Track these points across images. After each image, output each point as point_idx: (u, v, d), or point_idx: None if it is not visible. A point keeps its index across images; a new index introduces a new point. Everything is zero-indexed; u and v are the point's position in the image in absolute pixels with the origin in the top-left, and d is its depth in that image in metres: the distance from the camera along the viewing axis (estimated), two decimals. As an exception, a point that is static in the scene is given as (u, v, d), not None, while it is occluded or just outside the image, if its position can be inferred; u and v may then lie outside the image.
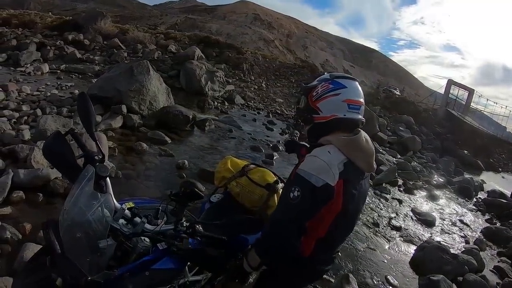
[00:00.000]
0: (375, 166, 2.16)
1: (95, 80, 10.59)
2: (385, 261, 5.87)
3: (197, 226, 2.16)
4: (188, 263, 2.39)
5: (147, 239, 2.14)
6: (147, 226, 2.18)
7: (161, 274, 2.12)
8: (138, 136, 7.45)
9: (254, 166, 3.35)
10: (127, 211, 2.19)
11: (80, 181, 1.94)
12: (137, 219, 2.19)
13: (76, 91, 9.35)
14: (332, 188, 1.90)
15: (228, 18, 61.90)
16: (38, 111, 7.28)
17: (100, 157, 2.13)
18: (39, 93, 8.90)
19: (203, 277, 2.74)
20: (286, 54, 52.22)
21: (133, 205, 2.32)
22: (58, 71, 11.86)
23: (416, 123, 21.48)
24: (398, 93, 32.60)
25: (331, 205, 1.95)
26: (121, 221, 2.14)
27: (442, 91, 31.55)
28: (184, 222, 2.28)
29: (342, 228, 2.14)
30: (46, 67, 11.58)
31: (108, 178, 2.10)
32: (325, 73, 2.25)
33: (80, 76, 11.93)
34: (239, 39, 46.18)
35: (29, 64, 11.69)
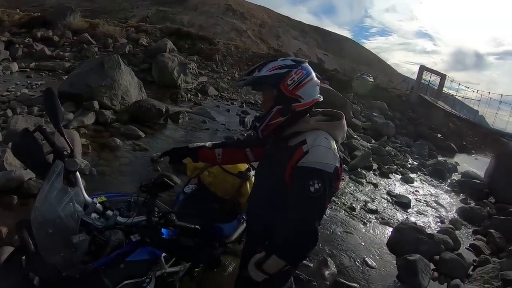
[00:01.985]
0: None
1: (66, 77, 10.32)
2: (363, 243, 5.99)
3: (170, 216, 2.14)
4: (164, 254, 2.38)
5: (120, 232, 2.14)
6: (120, 218, 2.18)
7: (136, 266, 2.14)
8: (111, 132, 7.36)
9: None
10: (98, 205, 2.19)
11: (50, 177, 1.93)
12: (109, 212, 2.19)
13: (46, 89, 9.20)
14: (338, 169, 1.99)
15: (199, 10, 61.13)
16: (9, 112, 7.13)
17: (69, 152, 2.13)
18: (8, 93, 8.70)
19: (180, 268, 2.73)
20: (259, 44, 52.03)
21: (105, 199, 2.33)
22: (28, 70, 11.62)
23: (389, 109, 21.78)
24: (371, 79, 32.89)
25: (334, 187, 2.02)
26: (93, 215, 2.14)
27: (414, 77, 31.94)
28: (157, 213, 2.23)
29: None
30: (15, 66, 11.33)
31: (77, 173, 2.10)
32: (277, 59, 2.25)
33: (50, 73, 11.74)
34: (211, 30, 45.73)
35: (-3, 64, 11.37)
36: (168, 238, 2.28)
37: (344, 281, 4.66)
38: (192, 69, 14.33)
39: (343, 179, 7.31)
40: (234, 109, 12.76)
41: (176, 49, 17.19)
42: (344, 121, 2.15)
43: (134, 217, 2.23)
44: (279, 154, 2.10)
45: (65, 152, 2.10)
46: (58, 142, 2.19)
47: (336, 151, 2.00)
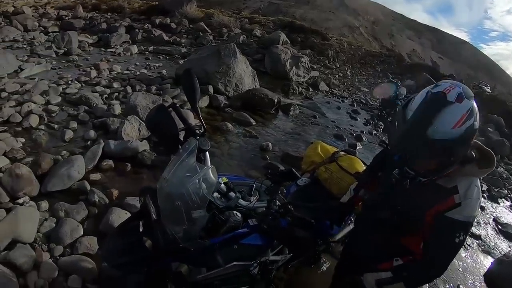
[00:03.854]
0: None
1: (182, 61, 10.91)
2: (460, 269, 5.54)
3: (290, 207, 2.18)
4: (274, 241, 2.41)
5: (239, 214, 2.22)
6: (241, 201, 2.29)
7: (248, 249, 2.20)
8: (223, 116, 7.57)
9: (343, 153, 3.35)
10: (222, 185, 2.30)
11: (182, 153, 1.99)
12: (232, 194, 2.29)
13: (164, 71, 9.75)
14: None
15: (312, 3, 61.16)
16: (128, 88, 7.69)
17: (202, 131, 2.20)
18: (128, 72, 9.34)
19: (281, 258, 2.75)
20: (371, 42, 50.96)
21: (227, 180, 2.41)
22: (146, 52, 12.30)
23: (506, 125, 20.14)
24: (489, 90, 30.82)
25: None
26: (216, 194, 2.25)
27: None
28: (277, 201, 2.32)
29: None
30: (135, 49, 12.05)
31: (207, 152, 2.18)
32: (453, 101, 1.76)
33: (167, 57, 12.26)
34: (323, 25, 45.46)
35: (118, 46, 12.24)
36: (284, 227, 2.25)
37: None
38: (304, 62, 14.19)
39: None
40: (344, 107, 12.48)
41: (289, 42, 17.23)
42: (494, 163, 1.95)
43: (255, 202, 2.33)
44: (421, 190, 2.00)
45: (197, 131, 2.17)
46: (190, 120, 2.26)
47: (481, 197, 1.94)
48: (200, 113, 2.28)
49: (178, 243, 1.90)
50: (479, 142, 1.96)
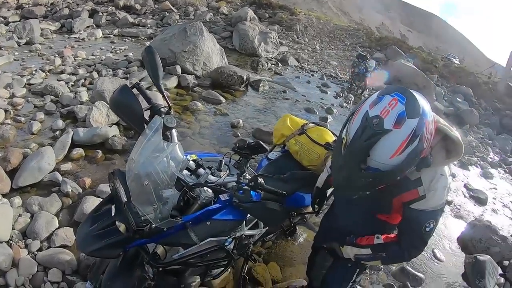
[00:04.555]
0: None
1: (148, 42, 10.73)
2: (434, 234, 5.68)
3: (260, 179, 2.15)
4: (248, 216, 2.41)
5: (210, 190, 2.20)
6: (211, 177, 2.24)
7: (221, 224, 2.20)
8: (193, 96, 7.54)
9: (313, 124, 3.36)
10: (191, 162, 2.25)
11: (148, 132, 1.97)
12: (201, 170, 2.25)
13: (130, 54, 9.57)
14: None
15: (280, -21, 60.82)
16: (95, 74, 7.53)
17: (167, 108, 2.19)
18: (94, 57, 9.12)
19: (257, 232, 2.78)
20: (340, 16, 50.99)
21: (196, 157, 2.38)
22: (111, 36, 12.03)
23: (474, 96, 20.55)
24: (457, 62, 31.31)
25: None
26: (185, 172, 2.22)
27: (504, 63, 29.78)
28: (247, 175, 2.30)
29: None
30: (99, 33, 11.78)
31: (174, 130, 2.17)
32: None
33: (133, 39, 12.05)
34: (291, 0, 45.27)
35: (82, 31, 11.92)
36: (255, 201, 2.24)
37: (411, 270, 4.56)
38: (273, 38, 14.20)
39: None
40: (314, 81, 12.50)
41: (256, 18, 17.10)
42: (462, 151, 1.86)
43: (225, 177, 2.28)
44: None
45: (162, 109, 2.17)
46: (155, 99, 2.25)
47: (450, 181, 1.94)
48: (164, 91, 2.27)
49: (150, 224, 1.90)
50: (447, 127, 1.85)
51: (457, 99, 18.31)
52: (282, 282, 3.50)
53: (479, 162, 10.83)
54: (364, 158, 1.64)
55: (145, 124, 2.06)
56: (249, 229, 2.61)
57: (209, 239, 2.16)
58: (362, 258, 2.16)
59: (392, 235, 2.15)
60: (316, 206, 2.76)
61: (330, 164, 2.54)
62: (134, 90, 2.19)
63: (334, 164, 1.97)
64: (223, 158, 2.41)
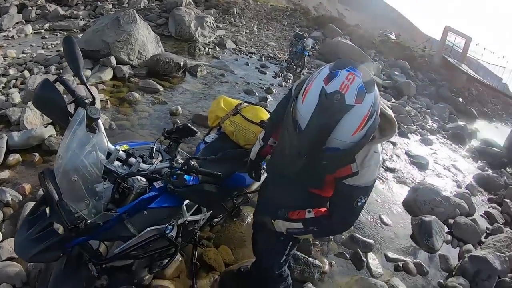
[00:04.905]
0: None
1: (81, 35, 10.27)
2: (379, 200, 6.03)
3: (192, 162, 2.16)
4: (186, 201, 2.41)
5: (143, 179, 2.18)
6: (143, 165, 2.22)
7: (159, 212, 2.19)
8: (129, 87, 7.37)
9: (247, 104, 3.39)
10: (121, 153, 2.22)
11: (72, 125, 1.93)
12: (132, 160, 2.21)
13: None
14: None
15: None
16: (26, 73, 7.18)
17: (91, 100, 2.10)
18: (24, 55, 8.73)
19: (201, 217, 2.79)
20: (277, -2, 50.89)
21: (127, 147, 2.34)
22: (42, 31, 11.55)
23: (411, 69, 21.28)
24: (394, 37, 32.08)
25: None
26: (116, 162, 2.18)
27: (439, 37, 30.99)
28: (179, 159, 2.29)
29: None
30: (29, 28, 11.27)
31: (100, 120, 2.10)
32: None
33: (65, 33, 11.58)
34: (229, -16, 44.76)
35: (11, 28, 11.34)
36: (191, 185, 2.26)
37: (360, 237, 4.73)
38: (210, 22, 14.10)
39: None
40: (253, 63, 12.55)
41: (192, 3, 16.81)
42: (395, 130, 1.86)
43: (157, 164, 2.27)
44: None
45: (86, 101, 2.07)
46: (79, 91, 2.16)
47: (382, 158, 1.96)
48: (86, 81, 2.21)
49: (85, 220, 1.87)
50: (382, 106, 1.81)
51: (395, 72, 18.85)
52: (234, 264, 3.53)
53: (418, 130, 11.38)
54: (326, 138, 1.56)
55: (70, 118, 2.00)
56: (191, 214, 2.60)
57: (148, 229, 2.15)
58: (294, 232, 2.18)
59: (323, 209, 2.17)
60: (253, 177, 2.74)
61: (262, 136, 2.53)
62: (58, 84, 2.10)
63: (284, 149, 1.91)
64: (154, 145, 2.39)
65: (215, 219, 3.56)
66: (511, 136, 13.09)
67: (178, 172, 2.11)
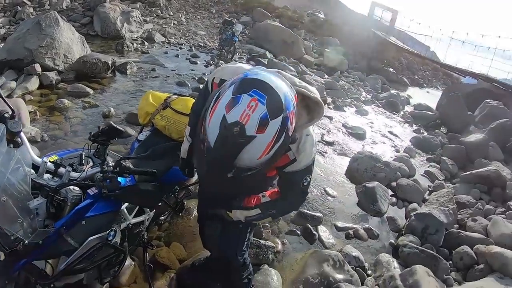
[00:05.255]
0: None
1: (2, 44, 9.74)
2: (322, 174, 6.23)
3: (124, 163, 2.11)
4: (125, 204, 2.35)
5: (76, 188, 2.07)
6: (73, 174, 2.12)
7: (97, 219, 2.09)
8: (58, 94, 7.03)
9: (176, 96, 3.33)
10: (49, 164, 2.11)
11: None
12: (62, 170, 2.10)
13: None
14: None
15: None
16: None
17: (10, 113, 1.98)
18: None
19: (146, 217, 2.73)
20: (203, -15, 50.13)
21: (56, 158, 2.23)
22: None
23: (341, 44, 21.80)
24: (322, 16, 32.48)
25: None
26: (46, 175, 2.08)
27: (366, 13, 31.90)
28: (110, 162, 2.21)
29: None
30: None
31: (22, 133, 1.97)
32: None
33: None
34: (152, -26, 43.58)
35: None
36: (126, 186, 2.20)
37: (308, 212, 4.85)
38: (136, 17, 13.81)
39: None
40: (183, 54, 12.49)
41: (117, -2, 16.39)
42: (323, 111, 1.81)
43: (88, 170, 2.19)
44: None
45: (6, 115, 1.96)
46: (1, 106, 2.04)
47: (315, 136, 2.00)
48: (2, 94, 2.04)
49: (22, 241, 1.78)
50: (305, 89, 1.77)
51: (326, 49, 19.27)
52: (188, 260, 3.49)
53: (353, 102, 11.81)
54: (229, 165, 1.47)
55: None
56: (135, 216, 2.55)
57: (89, 239, 2.06)
58: (253, 218, 2.19)
59: (276, 190, 2.20)
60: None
61: (188, 132, 2.48)
62: None
63: (198, 166, 1.94)
64: (82, 151, 2.30)
65: (161, 217, 3.51)
66: (443, 99, 13.94)
67: (111, 175, 2.07)
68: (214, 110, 1.46)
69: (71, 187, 2.04)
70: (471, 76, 20.20)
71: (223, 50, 13.39)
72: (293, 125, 1.56)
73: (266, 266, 3.68)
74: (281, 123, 1.43)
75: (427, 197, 6.25)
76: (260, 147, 1.43)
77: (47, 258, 2.03)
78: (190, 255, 3.58)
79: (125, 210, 2.36)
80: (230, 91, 1.46)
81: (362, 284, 3.85)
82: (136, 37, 13.39)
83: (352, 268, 3.96)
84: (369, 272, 4.18)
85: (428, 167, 7.92)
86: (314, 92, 1.80)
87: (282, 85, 1.53)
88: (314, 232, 4.52)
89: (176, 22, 17.33)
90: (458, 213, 5.63)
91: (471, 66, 22.29)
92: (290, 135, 1.54)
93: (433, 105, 14.17)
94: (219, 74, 2.07)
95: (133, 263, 3.20)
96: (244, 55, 14.70)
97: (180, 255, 3.57)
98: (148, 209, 2.75)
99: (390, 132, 10.00)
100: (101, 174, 2.09)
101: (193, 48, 13.66)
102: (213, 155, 1.47)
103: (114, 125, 2.23)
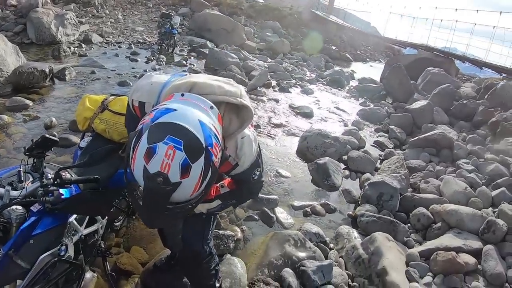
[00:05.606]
0: None
1: None
2: (273, 157, 6.38)
3: (63, 174, 2.06)
4: (74, 216, 2.29)
5: (19, 207, 1.97)
6: (13, 193, 2.00)
7: (45, 236, 2.02)
8: (-5, 111, 6.70)
9: (113, 97, 3.23)
10: None
11: None
12: (1, 190, 1.99)
13: None
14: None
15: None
16: None
17: None
18: None
19: (98, 226, 2.70)
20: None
21: None
22: None
23: (282, 27, 22.08)
24: (261, 1, 32.56)
25: None
26: None
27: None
28: (49, 174, 2.14)
29: None
30: None
31: None
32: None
33: None
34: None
35: None
36: (69, 197, 2.15)
37: (264, 195, 4.95)
38: (71, 19, 13.45)
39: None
40: (122, 52, 12.31)
41: (49, 1, 15.75)
42: (252, 112, 1.79)
43: (28, 186, 2.09)
44: None
45: None
46: None
47: (253, 133, 1.99)
48: None
49: None
50: (226, 96, 1.72)
51: (267, 33, 19.48)
52: (150, 262, 3.44)
53: (298, 83, 12.06)
54: (162, 208, 1.38)
55: None
56: (86, 227, 2.51)
57: (40, 257, 1.99)
58: (214, 210, 2.22)
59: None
60: None
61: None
62: None
63: (135, 206, 1.94)
64: (20, 167, 2.18)
65: (116, 223, 3.49)
66: (385, 71, 14.42)
67: (51, 188, 2.01)
68: (135, 160, 1.38)
69: (13, 207, 1.95)
70: (412, 47, 20.96)
71: (163, 44, 13.36)
72: (219, 155, 1.49)
73: (228, 255, 3.73)
74: (204, 162, 1.37)
75: (378, 166, 6.55)
76: (189, 188, 1.37)
77: (2, 285, 1.98)
78: (152, 257, 3.56)
79: (74, 221, 2.31)
80: (145, 140, 1.35)
81: (326, 258, 3.99)
82: (73, 40, 13.08)
83: (314, 244, 4.10)
84: (331, 245, 4.36)
85: (377, 137, 8.30)
86: (236, 94, 1.75)
87: (197, 118, 1.43)
88: (272, 215, 4.65)
89: (113, 20, 17.04)
90: (411, 177, 5.93)
91: (410, 38, 23.14)
92: (217, 165, 1.48)
93: (377, 77, 14.70)
94: (136, 96, 1.96)
95: (95, 274, 3.10)
96: (185, 47, 14.66)
97: (142, 259, 3.55)
98: (100, 217, 2.73)
99: (337, 108, 10.30)
100: (42, 189, 2.02)
101: (132, 45, 13.49)
102: (144, 203, 1.39)
103: (48, 135, 2.15)
